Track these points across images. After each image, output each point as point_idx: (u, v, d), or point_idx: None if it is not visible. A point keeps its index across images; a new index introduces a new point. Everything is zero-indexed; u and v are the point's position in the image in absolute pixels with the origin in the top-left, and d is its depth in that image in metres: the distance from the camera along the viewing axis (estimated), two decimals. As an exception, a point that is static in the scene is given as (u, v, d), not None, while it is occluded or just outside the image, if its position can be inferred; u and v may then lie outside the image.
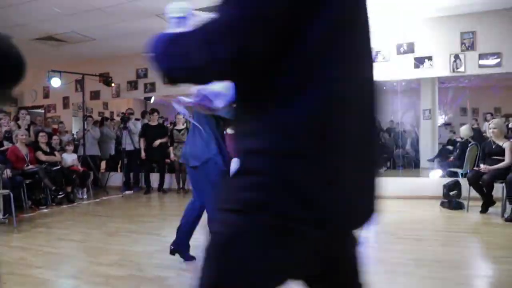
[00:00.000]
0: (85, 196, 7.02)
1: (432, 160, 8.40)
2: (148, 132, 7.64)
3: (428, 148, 8.65)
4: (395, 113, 9.95)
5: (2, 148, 6.05)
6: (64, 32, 7.10)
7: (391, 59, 6.73)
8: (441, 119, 8.71)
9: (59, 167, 6.44)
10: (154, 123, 7.76)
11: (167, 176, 7.94)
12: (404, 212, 5.29)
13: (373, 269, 2.96)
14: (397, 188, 6.20)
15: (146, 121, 8.05)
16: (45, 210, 5.71)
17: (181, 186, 7.68)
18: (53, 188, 5.96)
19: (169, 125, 8.69)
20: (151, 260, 3.29)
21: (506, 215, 4.53)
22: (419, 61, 6.60)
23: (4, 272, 3.02)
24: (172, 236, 3.15)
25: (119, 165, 8.68)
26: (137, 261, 3.25)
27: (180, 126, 7.48)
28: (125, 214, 5.60)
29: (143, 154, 7.63)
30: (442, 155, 8.12)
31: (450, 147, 8.13)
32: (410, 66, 6.66)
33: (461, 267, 3.00)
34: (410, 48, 6.65)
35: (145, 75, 8.70)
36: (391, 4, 5.80)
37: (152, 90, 8.60)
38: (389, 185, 6.40)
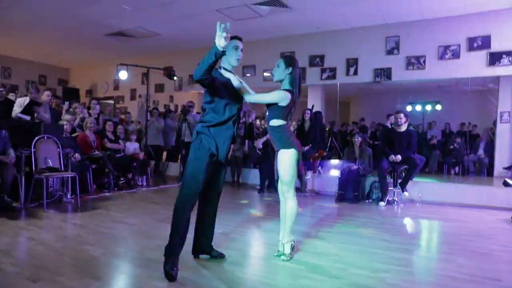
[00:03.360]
0: (144, 183, 7.41)
1: (508, 168, 7.61)
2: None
3: (504, 154, 7.86)
4: (467, 115, 9.17)
5: (74, 134, 6.60)
6: (131, 27, 7.55)
7: (462, 55, 6.18)
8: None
9: (122, 154, 6.88)
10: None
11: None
12: (472, 222, 4.85)
13: (420, 279, 2.73)
14: (464, 196, 5.79)
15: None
16: (107, 194, 6.13)
17: (235, 179, 7.82)
18: (115, 174, 6.38)
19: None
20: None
21: None
22: (496, 58, 5.97)
23: (61, 245, 3.29)
24: (217, 227, 3.17)
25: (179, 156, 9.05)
26: (179, 247, 3.33)
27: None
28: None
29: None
30: (520, 163, 7.32)
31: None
32: (483, 63, 6.06)
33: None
34: (486, 43, 6.04)
35: (206, 70, 8.93)
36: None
37: (212, 84, 8.79)
38: (457, 192, 5.97)
